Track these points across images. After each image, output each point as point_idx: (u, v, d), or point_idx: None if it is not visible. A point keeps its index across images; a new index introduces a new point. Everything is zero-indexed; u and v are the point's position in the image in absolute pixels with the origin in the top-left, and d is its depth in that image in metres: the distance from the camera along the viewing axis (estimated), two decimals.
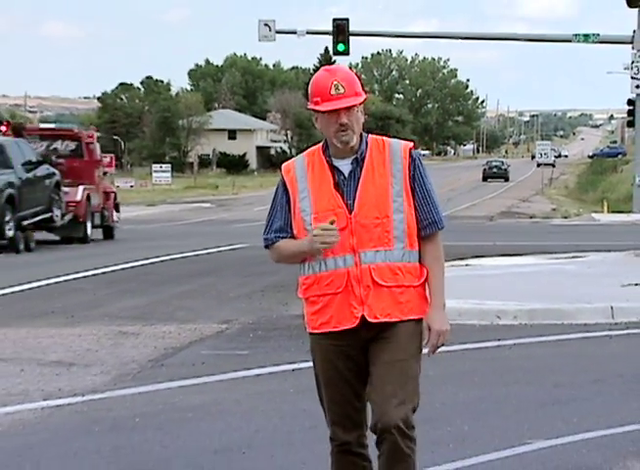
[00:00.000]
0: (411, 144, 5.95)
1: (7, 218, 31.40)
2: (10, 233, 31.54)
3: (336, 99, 5.68)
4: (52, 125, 52.91)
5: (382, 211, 5.71)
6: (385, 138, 5.91)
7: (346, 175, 5.77)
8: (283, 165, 6.03)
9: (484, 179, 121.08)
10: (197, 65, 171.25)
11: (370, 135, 5.89)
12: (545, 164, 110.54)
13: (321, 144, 5.89)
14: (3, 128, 46.99)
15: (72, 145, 42.01)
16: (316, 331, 5.85)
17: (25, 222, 33.95)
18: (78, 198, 37.62)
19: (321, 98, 5.71)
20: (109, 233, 40.23)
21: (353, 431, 5.84)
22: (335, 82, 5.69)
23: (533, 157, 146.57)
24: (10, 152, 34.60)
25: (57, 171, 37.25)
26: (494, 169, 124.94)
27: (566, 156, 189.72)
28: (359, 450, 5.86)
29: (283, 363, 13.04)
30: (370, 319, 5.68)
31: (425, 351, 6.02)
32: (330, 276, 5.75)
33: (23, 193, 33.81)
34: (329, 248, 5.67)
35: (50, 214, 35.58)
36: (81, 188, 38.37)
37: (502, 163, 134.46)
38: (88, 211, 38.17)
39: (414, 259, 5.81)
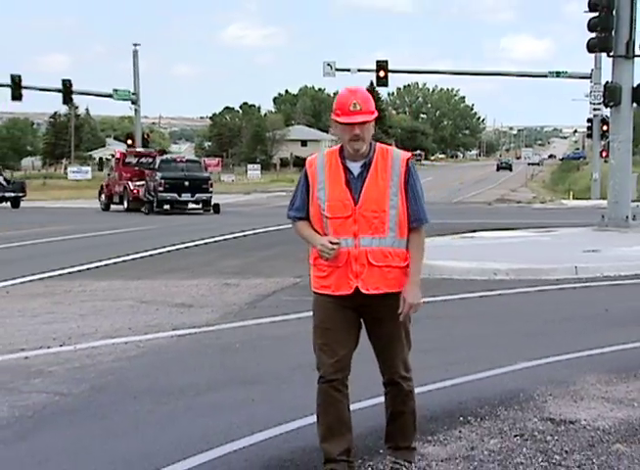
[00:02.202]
0: (409, 155, 5.71)
1: None
2: None
3: (353, 114, 5.44)
4: (141, 149, 54.98)
5: (380, 207, 5.49)
6: (389, 147, 5.69)
7: (355, 175, 5.53)
8: (307, 160, 5.79)
9: (498, 169, 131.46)
10: (279, 93, 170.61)
11: (378, 144, 5.64)
12: (532, 164, 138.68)
13: (338, 147, 5.65)
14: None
15: (150, 159, 46.79)
16: (318, 291, 5.62)
17: None
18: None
19: (341, 112, 5.47)
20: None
21: (339, 372, 5.57)
22: (354, 101, 5.44)
23: (518, 158, 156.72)
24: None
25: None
26: (503, 164, 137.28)
27: (550, 156, 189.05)
28: (341, 388, 5.60)
29: None
30: (363, 291, 5.47)
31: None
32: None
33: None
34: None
35: None
36: None
37: (508, 160, 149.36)
38: None
39: (402, 246, 5.58)
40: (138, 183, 45.20)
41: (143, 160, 47.54)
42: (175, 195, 42.82)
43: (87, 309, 13.35)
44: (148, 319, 12.39)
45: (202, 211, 43.06)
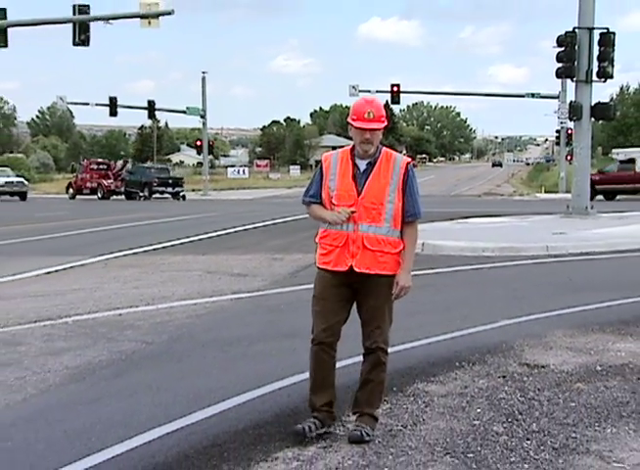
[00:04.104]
0: (409, 159, 5.41)
1: None
2: None
3: (367, 121, 5.17)
4: (99, 159, 64.17)
5: (379, 200, 5.20)
6: (393, 152, 5.38)
7: (362, 171, 5.25)
8: (323, 156, 5.49)
9: (493, 166, 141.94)
10: (314, 109, 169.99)
11: (384, 148, 5.35)
12: (516, 161, 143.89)
13: (350, 146, 5.36)
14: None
15: (105, 166, 56.36)
16: (320, 266, 5.35)
17: None
18: None
19: (357, 117, 5.19)
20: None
21: (331, 337, 5.27)
22: (369, 110, 5.19)
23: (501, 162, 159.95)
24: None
25: None
26: (497, 163, 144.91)
27: (527, 158, 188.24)
28: (329, 351, 5.29)
29: None
30: (355, 269, 5.18)
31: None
32: (337, 234, 5.25)
33: None
34: (339, 223, 5.20)
35: None
36: None
37: (500, 160, 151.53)
38: None
39: (396, 236, 5.25)
40: (109, 181, 53.66)
41: (101, 166, 55.95)
42: (164, 188, 51.19)
43: (166, 278, 13.43)
44: (212, 286, 12.43)
45: (177, 199, 50.29)
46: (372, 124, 5.19)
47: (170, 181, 52.11)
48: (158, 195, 51.20)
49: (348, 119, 5.28)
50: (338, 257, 5.25)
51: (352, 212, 5.19)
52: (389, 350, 5.43)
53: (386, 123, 5.30)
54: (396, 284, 5.26)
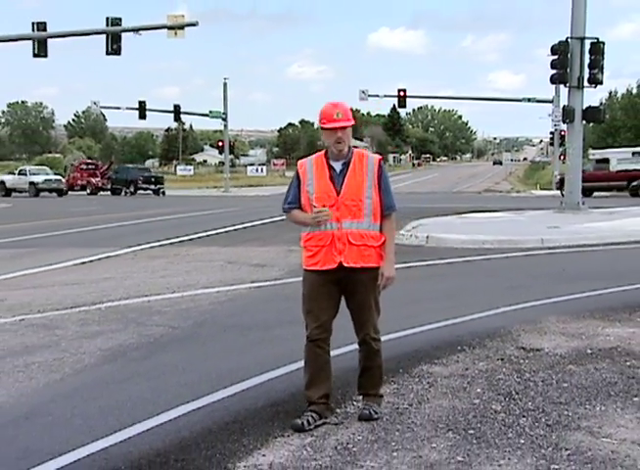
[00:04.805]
0: (380, 157, 5.30)
1: None
2: None
3: (336, 121, 5.06)
4: (88, 160, 67.60)
5: (357, 197, 5.08)
6: (365, 151, 5.27)
7: (338, 172, 5.12)
8: (298, 162, 5.33)
9: (494, 164, 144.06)
10: None
11: (355, 149, 5.21)
12: (513, 160, 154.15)
13: (324, 151, 5.22)
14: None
15: (93, 166, 59.85)
16: (309, 268, 5.21)
17: None
18: None
19: (327, 120, 5.08)
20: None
21: (324, 333, 5.19)
22: (337, 111, 5.07)
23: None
24: None
25: None
26: (497, 161, 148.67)
27: (525, 158, 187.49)
28: (323, 346, 5.21)
29: (408, 261, 12.91)
30: (345, 264, 5.05)
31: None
32: (321, 234, 5.10)
33: None
34: (321, 223, 5.08)
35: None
36: None
37: (502, 158, 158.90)
38: None
39: (376, 229, 5.15)
40: (97, 179, 56.62)
41: (89, 166, 59.22)
42: (147, 185, 53.86)
43: (190, 267, 13.45)
44: (233, 275, 12.44)
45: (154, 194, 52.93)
46: (342, 123, 5.07)
47: (153, 179, 55.31)
48: (141, 191, 53.73)
49: (320, 124, 5.13)
50: (325, 255, 5.13)
51: (329, 213, 5.07)
52: (394, 335, 5.46)
53: (353, 122, 5.17)
54: (381, 275, 5.15)
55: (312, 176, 5.17)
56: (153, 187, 53.92)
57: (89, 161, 66.15)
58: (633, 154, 42.41)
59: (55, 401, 5.82)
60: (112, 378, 6.48)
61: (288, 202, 5.28)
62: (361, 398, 5.44)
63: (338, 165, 5.15)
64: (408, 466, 4.49)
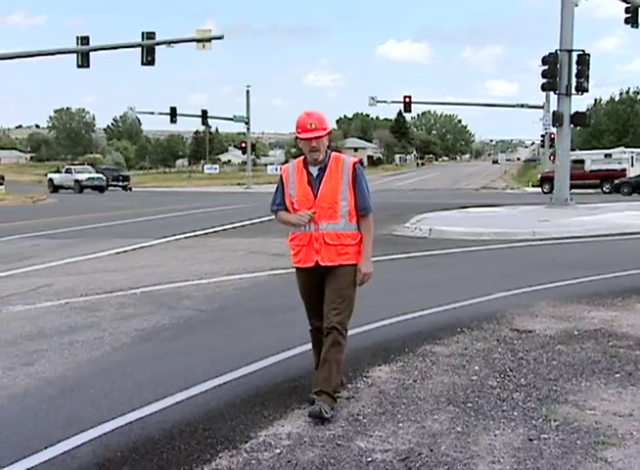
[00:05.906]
0: (356, 160, 5.01)
1: None
2: None
3: (310, 131, 4.83)
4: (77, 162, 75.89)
5: (333, 199, 4.88)
6: (341, 155, 5.03)
7: (315, 176, 4.93)
8: (282, 167, 5.19)
9: (493, 163, 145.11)
10: (340, 117, 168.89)
11: (333, 153, 5.01)
12: (508, 160, 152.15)
13: (303, 157, 5.02)
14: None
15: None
16: (294, 265, 5.13)
17: None
18: None
19: (302, 130, 4.86)
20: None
21: (320, 321, 4.98)
22: (310, 122, 4.84)
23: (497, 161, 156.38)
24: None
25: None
26: (495, 160, 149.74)
27: (518, 158, 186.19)
28: (324, 332, 4.93)
29: (413, 251, 12.89)
30: (321, 263, 4.91)
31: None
32: (302, 235, 4.98)
33: None
34: (303, 224, 4.93)
35: None
36: None
37: (498, 158, 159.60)
38: None
39: (352, 229, 4.93)
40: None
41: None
42: (116, 183, 57.87)
43: (216, 257, 13.46)
44: (255, 263, 12.43)
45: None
46: (315, 133, 4.85)
47: (121, 178, 59.39)
48: (111, 188, 56.27)
49: (296, 134, 4.92)
50: (305, 254, 5.01)
51: (313, 214, 4.94)
52: (400, 318, 5.42)
53: (328, 130, 4.93)
54: (359, 271, 4.96)
55: (294, 180, 5.03)
56: (121, 184, 58.17)
57: (76, 163, 72.15)
58: (605, 156, 43.35)
59: (96, 376, 5.85)
60: (146, 355, 6.51)
61: (276, 203, 5.16)
62: (315, 396, 4.90)
63: (314, 170, 4.97)
64: (413, 436, 4.49)
